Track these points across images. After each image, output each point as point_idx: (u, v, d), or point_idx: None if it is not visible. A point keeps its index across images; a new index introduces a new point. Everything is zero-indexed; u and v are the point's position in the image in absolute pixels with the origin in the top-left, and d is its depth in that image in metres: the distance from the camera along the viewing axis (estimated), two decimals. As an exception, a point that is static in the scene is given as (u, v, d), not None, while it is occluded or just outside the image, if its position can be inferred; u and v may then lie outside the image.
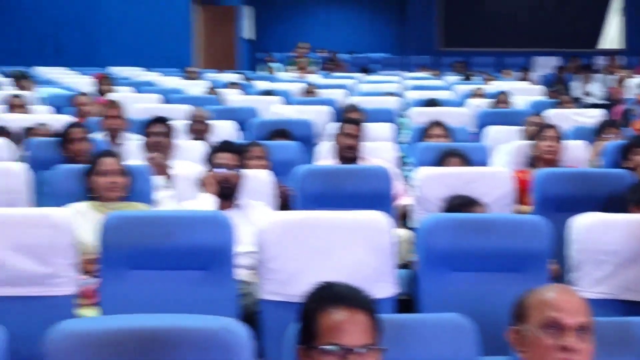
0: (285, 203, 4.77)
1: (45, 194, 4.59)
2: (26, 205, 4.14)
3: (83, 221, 3.89)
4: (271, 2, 18.67)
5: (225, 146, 4.29)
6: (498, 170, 4.42)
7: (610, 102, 12.75)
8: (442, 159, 4.99)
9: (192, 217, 3.21)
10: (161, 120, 5.30)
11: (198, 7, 15.43)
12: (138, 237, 3.08)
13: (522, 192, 4.69)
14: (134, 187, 4.19)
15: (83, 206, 4.04)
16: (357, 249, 3.10)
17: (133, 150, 5.39)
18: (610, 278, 3.23)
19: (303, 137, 6.26)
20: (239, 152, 4.27)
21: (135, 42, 14.20)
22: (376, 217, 3.20)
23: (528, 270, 3.21)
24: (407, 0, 18.05)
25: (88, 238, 3.62)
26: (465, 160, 4.99)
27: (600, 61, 15.81)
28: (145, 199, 4.20)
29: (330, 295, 2.12)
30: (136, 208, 4.06)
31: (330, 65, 14.80)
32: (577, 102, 11.35)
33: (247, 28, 17.39)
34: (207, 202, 4.04)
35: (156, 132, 5.20)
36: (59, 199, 4.13)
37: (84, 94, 7.47)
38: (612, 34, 17.38)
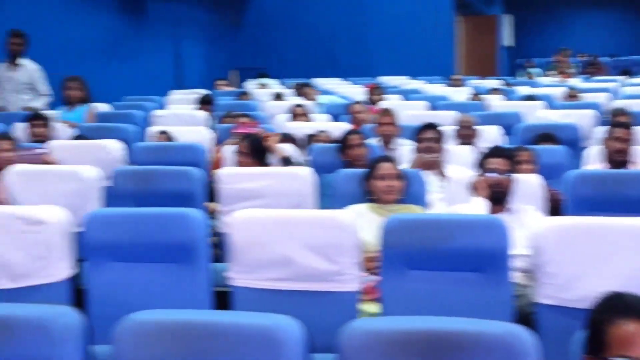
0: (555, 207, 4.56)
1: (327, 196, 4.71)
2: (312, 207, 4.25)
3: (363, 222, 3.94)
4: (530, 9, 18.14)
5: (497, 151, 4.16)
6: None
7: None
8: None
9: (469, 221, 3.12)
10: (432, 126, 5.26)
11: (461, 18, 15.31)
12: (416, 239, 3.05)
13: None
14: (410, 190, 4.18)
15: (362, 208, 4.09)
16: (637, 257, 2.87)
17: (406, 155, 5.40)
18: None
19: (569, 141, 5.98)
20: (509, 157, 4.13)
21: (403, 53, 14.35)
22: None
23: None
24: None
25: (368, 238, 3.65)
26: None
27: None
28: (419, 202, 4.18)
29: (621, 307, 1.95)
30: (412, 210, 4.04)
31: (590, 69, 14.10)
32: None
33: (506, 35, 17.03)
34: (479, 206, 3.94)
35: (428, 137, 5.16)
36: (340, 201, 4.22)
37: (358, 103, 7.61)
38: None
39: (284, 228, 3.12)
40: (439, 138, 5.20)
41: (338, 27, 14.78)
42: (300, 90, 9.87)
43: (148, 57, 12.38)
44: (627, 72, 13.40)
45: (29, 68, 7.65)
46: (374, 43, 14.60)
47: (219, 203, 4.34)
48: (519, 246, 3.48)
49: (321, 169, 5.15)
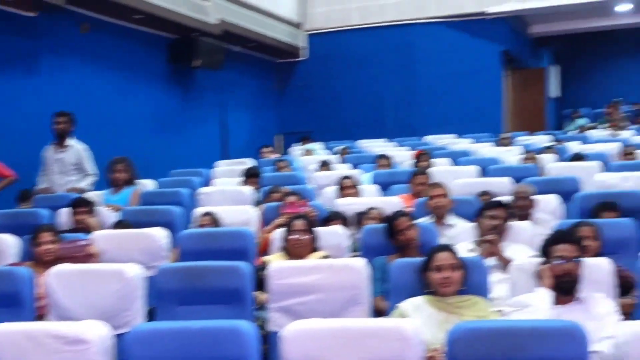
0: (626, 288, 4.24)
1: (379, 280, 4.48)
2: (367, 301, 4.00)
3: (421, 316, 3.69)
4: (577, 58, 17.85)
5: (563, 236, 3.87)
6: None
7: None
8: None
9: (544, 329, 2.83)
10: (500, 204, 5.01)
11: (508, 72, 15.10)
12: (486, 351, 2.77)
13: None
14: (470, 280, 3.90)
15: (420, 301, 3.83)
16: None
17: (463, 235, 5.13)
18: None
19: (632, 210, 5.64)
20: (577, 242, 3.84)
21: (450, 112, 14.14)
22: None
23: None
24: None
25: (427, 335, 3.40)
26: None
27: None
28: (481, 292, 3.89)
29: None
30: (473, 303, 3.77)
31: (641, 119, 13.72)
32: None
33: (553, 87, 16.76)
34: (545, 297, 3.66)
35: (494, 215, 4.91)
36: (396, 293, 3.98)
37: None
38: None
39: (343, 341, 2.87)
40: (506, 217, 4.95)
41: (384, 87, 14.66)
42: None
43: (195, 128, 12.35)
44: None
45: (75, 148, 7.59)
46: (420, 102, 14.43)
47: (268, 295, 4.11)
48: (592, 340, 3.19)
49: (373, 250, 4.93)
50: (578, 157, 8.34)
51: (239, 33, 12.55)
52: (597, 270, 3.89)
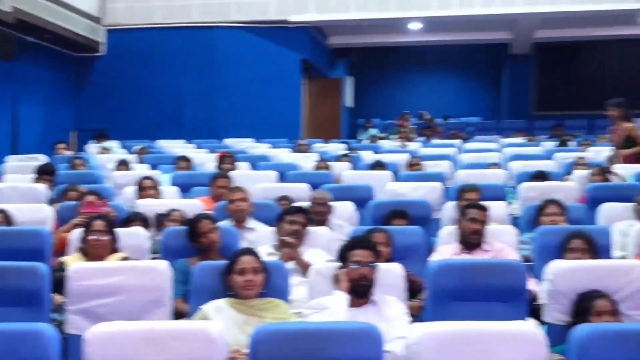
0: (414, 290, 4.53)
1: (180, 282, 4.48)
2: (169, 303, 4.00)
3: (222, 318, 3.74)
4: (369, 70, 18.64)
5: (359, 242, 4.09)
6: (633, 264, 4.06)
7: None
8: (567, 241, 4.69)
9: (342, 330, 2.97)
10: (300, 210, 5.17)
11: (306, 81, 15.50)
12: (287, 352, 2.88)
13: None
14: (271, 283, 4.01)
15: (222, 303, 3.88)
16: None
17: (264, 237, 5.25)
18: None
19: (420, 217, 6.03)
20: (372, 248, 4.06)
21: (250, 116, 14.32)
22: (532, 330, 2.92)
23: None
24: (502, 66, 17.75)
25: (227, 337, 3.46)
26: (591, 244, 4.69)
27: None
28: (282, 295, 4.01)
29: None
30: (274, 305, 3.88)
31: (427, 132, 14.55)
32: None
33: (348, 97, 17.43)
34: (342, 300, 3.84)
35: (294, 220, 5.04)
36: (198, 295, 4.01)
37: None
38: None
39: (148, 343, 2.87)
40: (305, 222, 5.10)
41: (185, 88, 14.58)
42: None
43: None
44: (455, 135, 13.89)
45: None
46: (221, 105, 14.49)
47: (67, 297, 3.99)
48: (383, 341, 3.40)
49: (174, 253, 4.92)
50: (379, 164, 8.72)
51: (34, 23, 12.01)
52: (389, 274, 4.13)
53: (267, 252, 4.91)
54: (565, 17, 13.28)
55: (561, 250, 4.71)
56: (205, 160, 9.89)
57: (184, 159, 9.11)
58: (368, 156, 10.41)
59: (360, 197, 6.73)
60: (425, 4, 13.20)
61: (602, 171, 7.77)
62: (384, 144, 12.91)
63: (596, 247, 4.73)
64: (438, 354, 2.82)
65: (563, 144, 12.06)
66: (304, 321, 3.70)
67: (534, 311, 4.29)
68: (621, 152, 8.80)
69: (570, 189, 7.10)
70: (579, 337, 2.93)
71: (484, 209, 5.10)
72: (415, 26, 14.55)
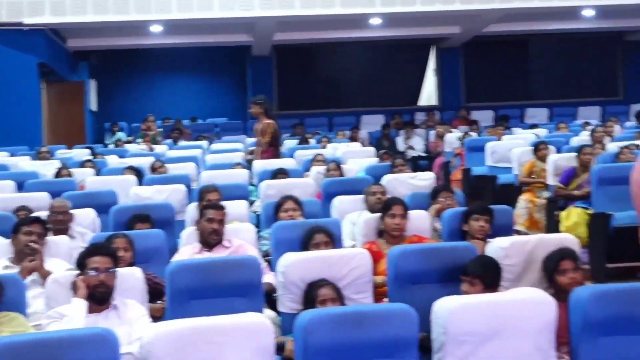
0: (156, 293, 4.63)
1: None
2: None
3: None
4: (115, 74, 18.32)
5: (97, 249, 4.12)
6: (358, 252, 4.44)
7: (430, 155, 13.30)
8: (309, 237, 5.00)
9: (76, 337, 3.02)
10: (36, 220, 5.04)
11: (44, 85, 14.94)
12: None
13: (375, 262, 4.75)
14: (7, 296, 3.93)
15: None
16: (245, 354, 3.03)
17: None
18: (470, 357, 3.31)
19: (164, 220, 6.13)
20: (111, 254, 4.11)
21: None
22: (260, 320, 3.14)
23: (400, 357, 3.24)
24: (246, 67, 18.17)
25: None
26: (330, 235, 5.06)
27: (421, 117, 16.48)
28: (19, 308, 3.95)
29: None
30: (10, 318, 3.81)
31: (175, 134, 14.59)
32: (402, 155, 11.71)
33: (92, 100, 17.05)
34: (80, 307, 3.85)
35: (30, 231, 4.92)
36: None
37: None
38: (429, 92, 18.15)
39: None
40: (42, 232, 4.99)
41: None
42: None
43: None
44: (201, 137, 14.06)
45: None
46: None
47: None
48: (124, 344, 3.48)
49: None
50: (131, 169, 8.57)
51: None
52: (130, 278, 4.20)
53: (3, 265, 4.78)
54: (300, 20, 13.89)
55: (303, 244, 5.01)
56: None
57: None
58: (113, 161, 10.31)
59: (104, 203, 6.68)
60: (165, 7, 13.22)
61: (338, 166, 8.31)
62: (130, 147, 12.80)
63: (335, 239, 5.13)
64: (171, 351, 2.96)
65: (304, 141, 12.64)
66: (39, 332, 3.68)
67: (274, 302, 4.56)
68: (259, 149, 9.42)
69: (308, 185, 7.52)
70: (302, 322, 3.20)
71: (221, 208, 5.29)
72: (156, 29, 14.52)
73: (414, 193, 6.74)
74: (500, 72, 17.56)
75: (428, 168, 11.77)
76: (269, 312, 4.48)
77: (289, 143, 12.54)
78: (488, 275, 4.11)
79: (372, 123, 15.98)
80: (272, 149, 9.45)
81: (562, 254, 4.19)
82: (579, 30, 16.48)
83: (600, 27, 16.28)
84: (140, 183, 7.93)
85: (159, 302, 4.67)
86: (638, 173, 4.13)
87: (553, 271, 4.12)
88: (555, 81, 18.16)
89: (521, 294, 3.58)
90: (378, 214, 5.41)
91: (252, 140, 13.57)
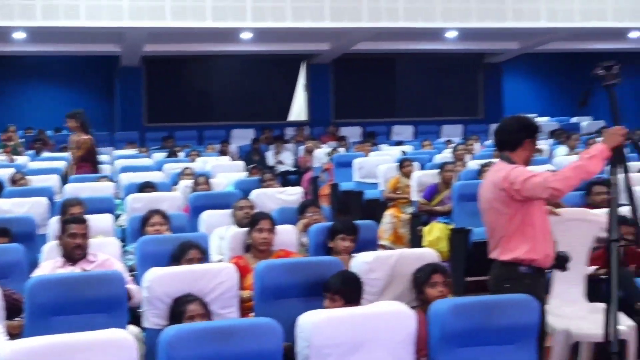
0: (14, 310, 4.46)
1: None
2: None
3: None
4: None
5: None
6: (225, 267, 4.44)
7: (299, 170, 13.44)
8: (183, 252, 4.95)
9: None
10: None
11: None
12: None
13: (242, 277, 4.76)
14: None
15: None
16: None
17: None
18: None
19: (25, 234, 5.93)
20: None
21: None
22: (122, 336, 3.09)
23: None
24: (115, 78, 17.79)
25: None
26: (203, 251, 5.05)
27: (290, 132, 16.63)
28: None
29: None
30: None
31: (38, 145, 14.09)
32: (271, 170, 11.78)
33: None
34: None
35: None
36: None
37: None
38: (299, 107, 18.33)
39: None
40: None
41: None
42: None
43: None
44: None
45: None
46: None
47: None
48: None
49: None
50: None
51: None
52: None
53: None
54: (171, 32, 13.74)
55: (175, 259, 4.95)
56: None
57: None
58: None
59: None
60: (29, 13, 12.74)
61: (206, 180, 8.28)
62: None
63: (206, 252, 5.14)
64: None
65: (173, 154, 12.50)
66: None
67: (138, 318, 4.48)
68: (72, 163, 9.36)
69: (175, 199, 7.46)
70: (166, 337, 3.18)
71: (83, 221, 5.16)
72: (19, 36, 13.99)
73: (281, 208, 6.81)
74: (369, 89, 17.96)
75: (297, 183, 11.87)
76: (132, 328, 4.41)
77: (157, 156, 12.38)
78: (348, 290, 4.19)
79: (242, 137, 15.98)
80: (89, 165, 9.31)
81: (435, 267, 4.35)
82: (443, 51, 17.10)
83: (462, 49, 16.95)
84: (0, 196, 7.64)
85: (17, 319, 4.51)
86: (483, 189, 4.37)
87: (424, 283, 4.26)
88: (420, 100, 18.73)
89: (383, 307, 3.68)
90: (246, 229, 5.43)
91: (120, 152, 13.38)
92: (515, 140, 4.28)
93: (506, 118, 4.57)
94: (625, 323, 4.76)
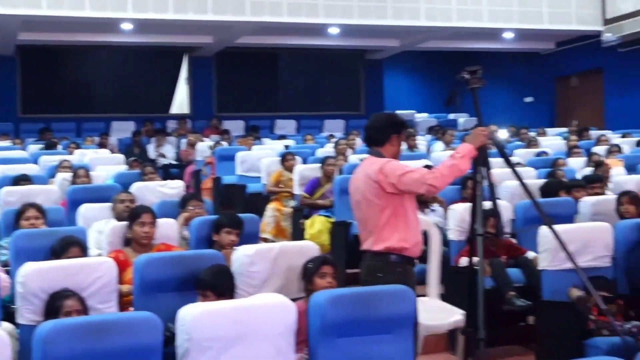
0: None
1: None
2: None
3: None
4: None
5: None
6: (103, 261, 4.35)
7: (181, 163, 13.29)
8: (64, 248, 4.81)
9: None
10: None
11: None
12: None
13: (121, 271, 4.68)
14: None
15: None
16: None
17: None
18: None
19: None
20: None
21: None
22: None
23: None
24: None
25: None
26: (83, 248, 4.91)
27: (172, 125, 16.40)
28: None
29: None
30: None
31: None
32: (153, 163, 11.60)
33: None
34: None
35: None
36: None
37: None
38: (181, 100, 18.11)
39: None
40: None
41: None
42: None
43: None
44: None
45: None
46: None
47: None
48: None
49: None
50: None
51: None
52: None
53: None
54: (47, 21, 13.29)
55: (55, 255, 4.80)
56: None
57: None
58: None
59: None
60: None
61: (87, 173, 8.10)
62: None
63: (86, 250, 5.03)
64: None
65: (51, 146, 12.13)
66: None
67: (12, 314, 4.34)
68: None
69: (52, 192, 7.25)
70: (42, 333, 3.10)
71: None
72: None
73: (163, 201, 6.73)
74: (252, 83, 17.92)
75: (179, 176, 11.74)
76: (6, 325, 4.27)
77: (33, 148, 11.97)
78: (218, 284, 4.18)
79: (122, 130, 15.62)
80: None
81: (325, 259, 4.41)
82: (326, 46, 17.27)
83: (344, 45, 17.16)
84: None
85: None
86: (356, 181, 4.48)
87: (313, 273, 4.30)
88: (303, 94, 18.87)
89: (263, 299, 3.70)
90: (125, 222, 5.34)
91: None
92: (383, 136, 4.41)
93: (375, 115, 4.71)
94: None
